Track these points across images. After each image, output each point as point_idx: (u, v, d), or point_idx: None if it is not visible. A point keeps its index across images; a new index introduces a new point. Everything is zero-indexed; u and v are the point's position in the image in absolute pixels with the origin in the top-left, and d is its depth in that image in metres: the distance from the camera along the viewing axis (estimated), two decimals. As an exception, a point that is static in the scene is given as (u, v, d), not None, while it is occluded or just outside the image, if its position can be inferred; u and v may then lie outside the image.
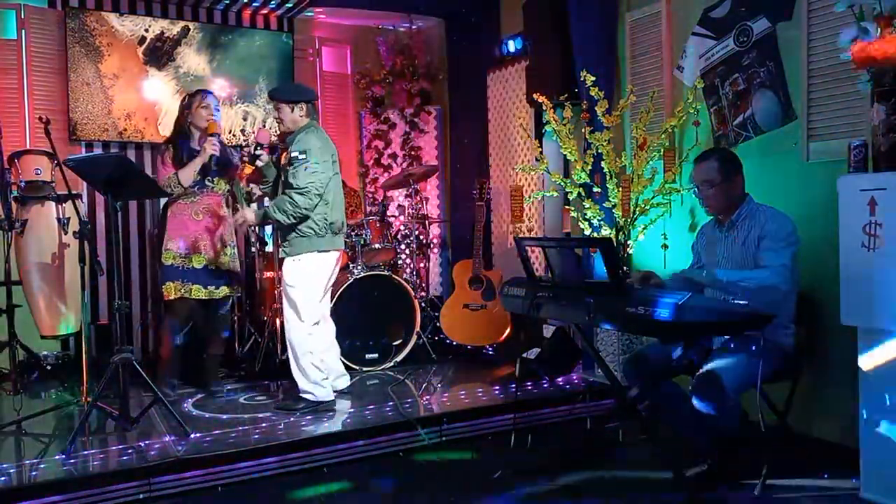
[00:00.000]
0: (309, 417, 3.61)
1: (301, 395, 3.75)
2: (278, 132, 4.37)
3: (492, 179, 5.64)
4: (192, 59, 5.49)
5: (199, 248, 3.98)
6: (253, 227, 4.16)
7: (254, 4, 5.56)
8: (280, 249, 3.83)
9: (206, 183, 4.00)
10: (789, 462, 3.04)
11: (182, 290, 3.94)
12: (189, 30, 5.47)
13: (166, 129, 5.34)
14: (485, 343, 5.04)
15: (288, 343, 3.78)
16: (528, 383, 4.12)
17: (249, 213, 3.81)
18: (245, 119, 5.70)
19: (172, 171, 3.91)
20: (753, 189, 3.08)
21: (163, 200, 4.18)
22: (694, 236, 3.37)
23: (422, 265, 5.64)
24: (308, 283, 3.71)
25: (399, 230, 5.83)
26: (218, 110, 4.08)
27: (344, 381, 4.07)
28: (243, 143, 5.64)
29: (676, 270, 3.42)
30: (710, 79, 3.82)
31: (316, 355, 3.73)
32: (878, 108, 2.60)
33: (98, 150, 5.18)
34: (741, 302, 2.61)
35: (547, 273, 3.23)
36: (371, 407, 3.75)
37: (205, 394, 4.10)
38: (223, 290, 4.06)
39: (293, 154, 3.66)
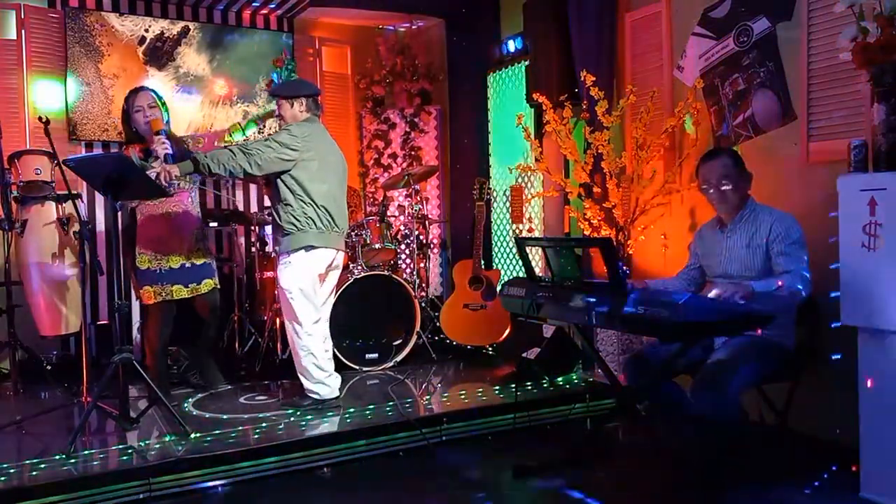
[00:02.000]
0: (309, 417, 3.61)
1: (307, 393, 3.77)
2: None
3: (492, 179, 5.64)
4: (192, 59, 5.49)
5: (174, 246, 3.90)
6: (179, 179, 3.78)
7: (254, 4, 5.56)
8: (274, 250, 3.82)
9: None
10: (789, 462, 3.04)
11: (163, 293, 3.88)
12: (189, 30, 5.47)
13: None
14: (485, 343, 5.04)
15: (290, 344, 3.77)
16: (528, 383, 4.12)
17: (174, 169, 3.52)
18: (245, 119, 5.70)
19: None
20: (753, 189, 3.07)
21: (130, 203, 3.98)
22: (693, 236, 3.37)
23: (422, 265, 5.64)
24: (300, 283, 3.61)
25: (399, 230, 5.83)
26: (153, 106, 3.89)
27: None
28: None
29: (673, 275, 3.43)
30: (710, 79, 3.82)
31: (318, 356, 3.71)
32: (878, 108, 2.60)
33: (98, 150, 5.18)
34: (741, 302, 2.62)
35: (547, 273, 3.22)
36: (371, 407, 3.75)
37: (205, 393, 4.09)
38: (207, 284, 3.99)
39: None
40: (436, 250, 6.17)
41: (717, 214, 3.13)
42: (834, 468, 2.96)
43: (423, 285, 5.54)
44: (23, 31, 4.98)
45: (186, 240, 3.96)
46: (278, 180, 3.62)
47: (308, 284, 3.64)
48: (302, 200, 3.60)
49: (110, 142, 5.26)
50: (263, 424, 3.50)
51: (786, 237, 2.85)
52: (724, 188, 2.99)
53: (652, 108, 3.96)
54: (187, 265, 3.93)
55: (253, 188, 5.76)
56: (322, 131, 3.78)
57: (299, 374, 3.77)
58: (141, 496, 2.90)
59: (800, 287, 2.74)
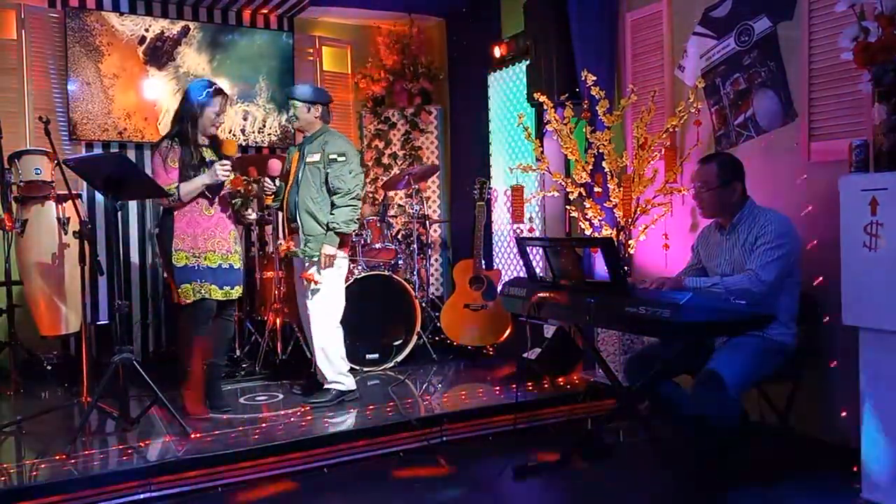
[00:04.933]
0: (309, 417, 3.61)
1: (329, 386, 3.86)
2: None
3: (492, 179, 5.64)
4: (193, 59, 5.49)
5: (212, 246, 3.69)
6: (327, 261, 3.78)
7: (254, 4, 5.55)
8: (302, 249, 3.76)
9: None
10: (789, 462, 3.04)
11: (201, 291, 3.63)
12: (189, 29, 5.47)
13: (167, 128, 5.33)
14: (485, 343, 5.03)
15: (316, 340, 3.84)
16: (529, 384, 4.11)
17: (329, 248, 3.71)
18: (245, 119, 5.70)
19: (176, 178, 3.58)
20: (754, 189, 3.07)
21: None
22: (695, 236, 3.37)
23: (422, 265, 5.64)
24: (336, 280, 3.85)
25: (399, 230, 5.83)
26: (222, 114, 3.80)
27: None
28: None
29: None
30: (711, 78, 3.82)
31: (343, 348, 3.90)
32: (879, 108, 2.60)
33: (98, 150, 5.18)
34: (742, 301, 2.61)
35: (547, 273, 3.22)
36: (371, 407, 3.75)
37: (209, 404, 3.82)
38: (238, 290, 3.81)
39: (331, 156, 3.78)
40: (436, 250, 6.16)
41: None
42: (834, 468, 2.95)
43: (424, 285, 5.54)
44: (23, 31, 4.98)
45: (225, 240, 3.76)
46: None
47: (341, 280, 3.94)
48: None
49: (110, 142, 5.25)
50: (263, 424, 3.50)
51: (762, 236, 2.88)
52: (700, 194, 3.04)
53: (653, 107, 3.95)
54: (224, 266, 3.72)
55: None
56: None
57: (325, 369, 3.86)
58: (141, 496, 2.90)
59: (747, 286, 2.78)
